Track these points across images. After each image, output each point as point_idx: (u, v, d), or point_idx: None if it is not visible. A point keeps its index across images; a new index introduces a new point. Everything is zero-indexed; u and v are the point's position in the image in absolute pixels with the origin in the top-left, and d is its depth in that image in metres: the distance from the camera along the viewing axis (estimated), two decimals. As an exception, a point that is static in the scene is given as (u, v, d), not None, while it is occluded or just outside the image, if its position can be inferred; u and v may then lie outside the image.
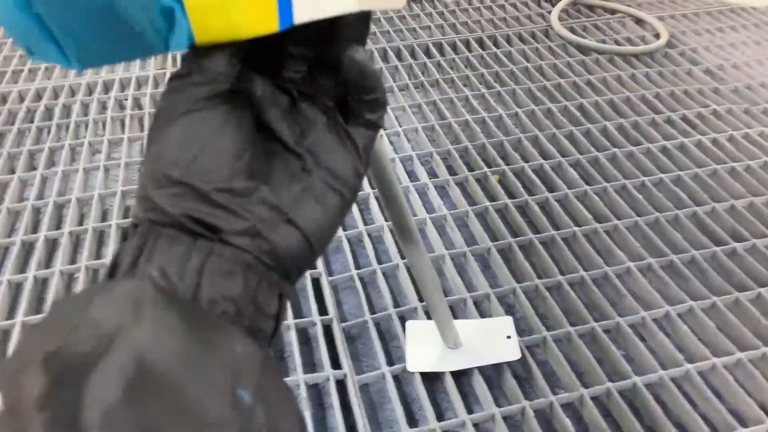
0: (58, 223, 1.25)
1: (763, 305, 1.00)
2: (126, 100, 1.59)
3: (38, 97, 1.61)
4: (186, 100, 0.31)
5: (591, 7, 1.95)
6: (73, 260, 1.16)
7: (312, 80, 0.37)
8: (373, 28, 1.85)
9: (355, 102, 0.36)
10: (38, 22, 0.31)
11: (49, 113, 1.56)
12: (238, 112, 0.32)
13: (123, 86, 1.64)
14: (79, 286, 1.08)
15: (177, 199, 0.30)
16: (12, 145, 1.44)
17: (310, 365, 0.96)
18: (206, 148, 0.31)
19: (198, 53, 0.32)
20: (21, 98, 1.60)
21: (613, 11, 1.92)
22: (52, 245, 1.20)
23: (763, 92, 1.53)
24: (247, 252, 0.30)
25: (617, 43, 1.74)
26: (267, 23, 0.31)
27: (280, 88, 0.36)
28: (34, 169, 1.38)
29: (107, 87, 1.64)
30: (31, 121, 1.51)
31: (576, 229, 1.15)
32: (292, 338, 0.98)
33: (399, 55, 1.73)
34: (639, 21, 1.87)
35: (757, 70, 1.62)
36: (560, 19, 1.85)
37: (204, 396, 0.23)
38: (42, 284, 1.12)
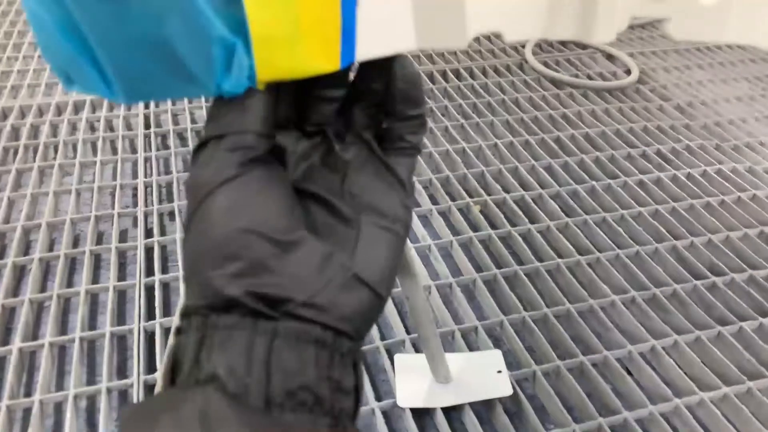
0: (26, 249, 1.20)
1: (745, 339, 1.02)
2: (98, 121, 1.55)
3: (4, 116, 1.56)
4: (220, 169, 0.29)
5: (563, 42, 1.99)
6: (43, 288, 1.11)
7: (344, 115, 0.35)
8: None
9: (399, 122, 0.34)
10: (83, 48, 0.29)
11: (16, 134, 1.51)
12: (275, 170, 0.31)
13: (94, 107, 1.60)
14: (49, 315, 1.04)
15: (237, 278, 0.27)
16: (-23, 165, 1.38)
17: (296, 399, 0.94)
18: (255, 215, 0.28)
19: (224, 112, 0.31)
20: (-14, 117, 1.55)
21: (584, 46, 1.96)
22: (20, 272, 1.15)
23: (732, 129, 1.57)
24: (315, 323, 0.28)
25: (590, 77, 1.78)
26: (329, 60, 0.30)
27: (309, 134, 0.34)
28: (0, 191, 1.32)
29: (77, 108, 1.59)
30: (-3, 142, 1.46)
31: (559, 260, 1.15)
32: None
33: (376, 84, 1.73)
34: (610, 56, 1.91)
35: (724, 107, 1.67)
36: (534, 53, 1.88)
37: None
38: (10, 313, 1.07)
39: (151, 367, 0.97)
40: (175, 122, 1.54)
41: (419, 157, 1.26)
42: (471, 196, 1.32)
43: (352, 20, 0.30)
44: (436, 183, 1.34)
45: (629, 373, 0.97)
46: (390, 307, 1.06)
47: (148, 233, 1.22)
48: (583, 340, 1.02)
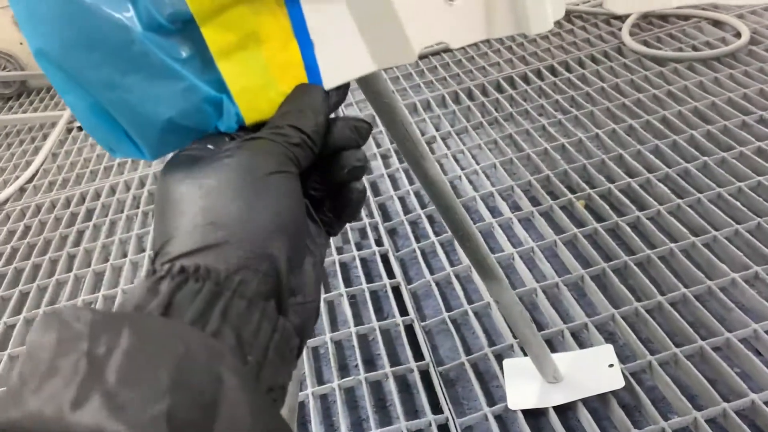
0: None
1: None
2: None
3: (141, 184, 1.74)
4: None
5: (663, 17, 1.90)
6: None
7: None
8: (441, 73, 1.88)
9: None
10: (113, 124, 0.35)
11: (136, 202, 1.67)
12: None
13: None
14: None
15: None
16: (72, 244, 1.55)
17: (412, 412, 0.97)
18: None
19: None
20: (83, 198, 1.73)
21: (686, 17, 1.86)
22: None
23: None
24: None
25: (695, 48, 1.69)
26: None
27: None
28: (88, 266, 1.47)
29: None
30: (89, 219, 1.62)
31: (672, 245, 1.10)
32: (391, 387, 0.98)
33: (470, 95, 1.75)
34: (717, 23, 1.80)
35: None
36: (632, 34, 1.82)
37: None
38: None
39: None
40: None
41: (517, 161, 1.26)
42: (573, 192, 1.30)
43: (313, 59, 0.35)
44: (536, 184, 1.34)
45: (757, 353, 0.92)
46: (496, 312, 1.06)
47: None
48: (703, 324, 0.97)
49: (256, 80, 0.34)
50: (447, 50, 1.98)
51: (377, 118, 0.67)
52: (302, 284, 0.32)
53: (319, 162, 0.35)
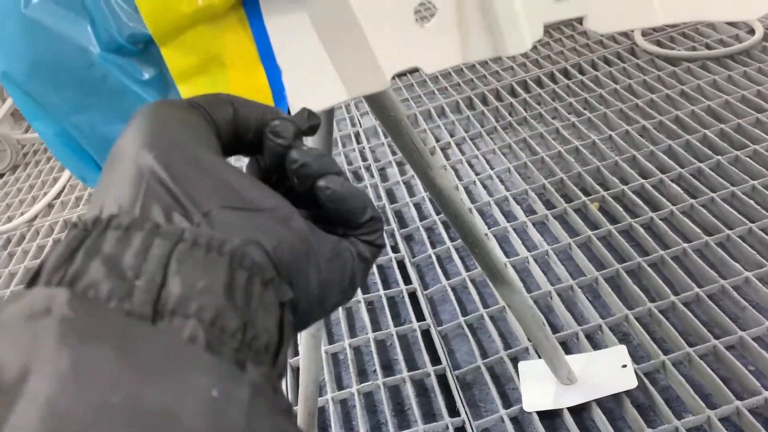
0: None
1: None
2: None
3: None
4: None
5: (676, 16, 1.90)
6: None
7: None
8: (455, 78, 1.90)
9: (353, 229, 0.29)
10: (82, 153, 0.37)
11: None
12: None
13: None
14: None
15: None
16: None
17: (429, 415, 0.99)
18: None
19: None
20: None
21: (700, 15, 1.86)
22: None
23: None
24: (229, 242, 0.22)
25: (708, 47, 1.69)
26: None
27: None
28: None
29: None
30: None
31: (685, 245, 1.11)
32: (409, 391, 1.01)
33: (484, 100, 1.77)
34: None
35: None
36: (644, 34, 1.82)
37: None
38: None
39: (299, 400, 1.06)
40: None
41: (531, 165, 1.27)
42: (587, 195, 1.31)
43: (280, 87, 0.35)
44: (550, 187, 1.35)
45: (772, 351, 0.92)
46: (511, 316, 1.08)
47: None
48: (717, 323, 0.98)
49: None
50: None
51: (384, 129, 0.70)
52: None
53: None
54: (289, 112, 0.35)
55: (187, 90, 0.32)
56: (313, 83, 0.35)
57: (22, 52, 0.32)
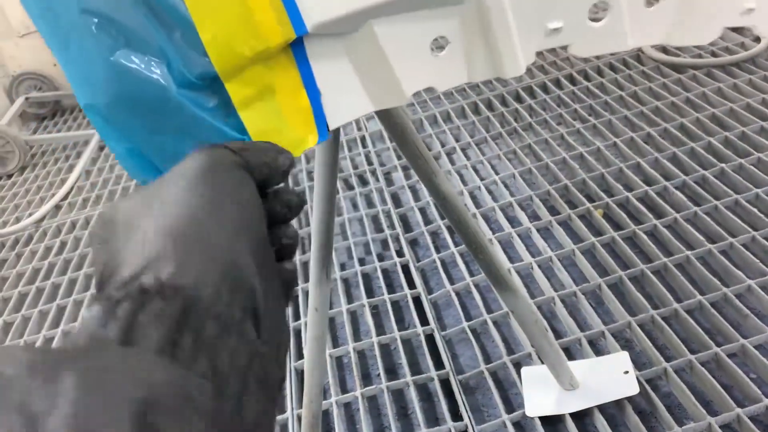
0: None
1: None
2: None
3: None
4: None
5: (682, 23, 1.91)
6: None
7: None
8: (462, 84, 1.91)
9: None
10: (149, 165, 0.40)
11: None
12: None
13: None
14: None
15: None
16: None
17: (433, 420, 1.00)
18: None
19: None
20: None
21: (706, 23, 1.86)
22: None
23: None
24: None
25: (713, 55, 1.69)
26: (311, 136, 0.40)
27: None
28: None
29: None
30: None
31: (689, 253, 1.12)
32: (412, 395, 1.01)
33: (490, 106, 1.78)
34: (736, 28, 1.80)
35: None
36: (650, 41, 1.82)
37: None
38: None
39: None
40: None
41: (536, 171, 1.28)
42: (592, 201, 1.31)
43: (319, 105, 0.40)
44: (554, 193, 1.36)
45: (773, 359, 0.93)
46: (515, 321, 1.09)
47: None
48: (719, 331, 0.99)
49: (272, 124, 0.39)
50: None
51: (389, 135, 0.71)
52: (271, 306, 0.26)
53: None
54: (327, 127, 0.41)
55: (246, 114, 0.38)
56: (345, 101, 0.41)
57: (107, 88, 0.37)
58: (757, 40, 1.69)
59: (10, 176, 2.20)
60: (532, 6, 0.40)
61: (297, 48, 0.38)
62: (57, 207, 1.89)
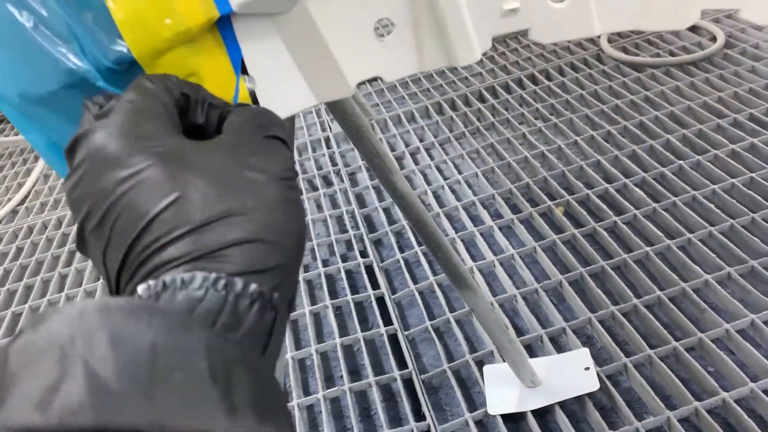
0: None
1: None
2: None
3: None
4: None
5: (641, 23, 1.93)
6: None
7: None
8: (425, 84, 1.91)
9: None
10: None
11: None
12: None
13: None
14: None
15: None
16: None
17: (396, 420, 0.99)
18: None
19: None
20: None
21: (664, 23, 1.89)
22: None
23: (836, 76, 1.46)
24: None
25: (672, 54, 1.72)
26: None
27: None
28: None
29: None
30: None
31: (648, 249, 1.13)
32: (375, 396, 1.01)
33: (453, 106, 1.78)
34: (694, 28, 1.83)
35: (826, 54, 1.55)
36: (610, 41, 1.85)
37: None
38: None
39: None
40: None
41: (499, 170, 1.28)
42: (553, 199, 1.32)
43: (253, 95, 0.38)
44: (516, 192, 1.36)
45: (730, 352, 0.94)
46: (475, 321, 1.09)
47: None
48: (678, 326, 1.00)
49: None
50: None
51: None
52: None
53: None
54: None
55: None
56: (284, 92, 0.38)
57: (18, 76, 0.35)
58: (713, 39, 1.72)
59: (-35, 181, 2.14)
60: None
61: (224, 29, 0.36)
62: (14, 212, 1.84)
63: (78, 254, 1.57)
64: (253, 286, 0.26)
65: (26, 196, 1.90)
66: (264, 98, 0.37)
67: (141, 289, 0.25)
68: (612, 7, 0.39)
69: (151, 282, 0.25)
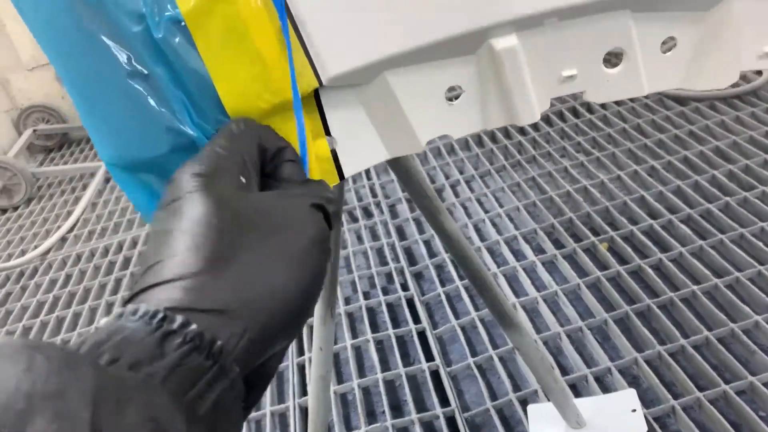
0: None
1: None
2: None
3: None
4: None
5: (684, 56, 1.92)
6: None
7: None
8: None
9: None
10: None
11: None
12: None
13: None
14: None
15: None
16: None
17: (438, 458, 0.98)
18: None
19: None
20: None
21: (707, 56, 1.88)
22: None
23: None
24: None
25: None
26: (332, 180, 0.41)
27: None
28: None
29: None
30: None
31: (695, 287, 1.11)
32: (417, 433, 1.00)
33: (493, 138, 1.79)
34: (737, 60, 1.81)
35: None
36: (652, 73, 1.84)
37: None
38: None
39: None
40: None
41: (540, 204, 1.29)
42: (596, 234, 1.31)
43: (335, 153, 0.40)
44: (559, 227, 1.36)
45: (782, 397, 0.92)
46: (520, 358, 1.08)
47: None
48: (727, 367, 0.98)
49: None
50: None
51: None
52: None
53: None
54: (342, 175, 0.41)
55: None
56: (361, 149, 0.42)
57: (131, 142, 0.38)
58: (759, 73, 1.70)
59: (16, 208, 2.21)
60: (545, 54, 0.40)
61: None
62: (63, 239, 1.89)
63: (124, 282, 1.61)
64: (192, 326, 0.26)
65: (75, 225, 1.96)
66: (343, 155, 0.40)
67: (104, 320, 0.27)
68: (660, 72, 0.40)
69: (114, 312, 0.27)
